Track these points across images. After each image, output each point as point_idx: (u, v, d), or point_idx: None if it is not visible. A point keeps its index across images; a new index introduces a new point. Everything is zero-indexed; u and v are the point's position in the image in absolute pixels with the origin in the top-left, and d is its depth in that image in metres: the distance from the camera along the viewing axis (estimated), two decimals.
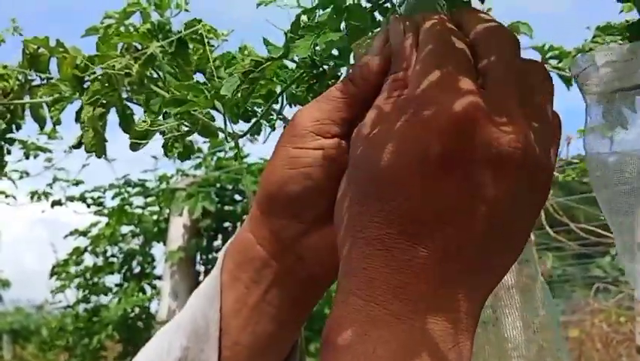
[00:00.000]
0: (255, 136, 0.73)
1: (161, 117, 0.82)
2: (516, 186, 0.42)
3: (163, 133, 0.77)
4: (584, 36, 0.98)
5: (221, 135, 0.75)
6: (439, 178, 0.41)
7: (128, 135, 0.86)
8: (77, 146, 0.89)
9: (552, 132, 0.45)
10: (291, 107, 0.73)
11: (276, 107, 0.75)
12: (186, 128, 0.76)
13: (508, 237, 0.43)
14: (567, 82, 1.16)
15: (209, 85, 0.75)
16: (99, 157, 0.86)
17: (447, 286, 0.41)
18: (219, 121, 0.76)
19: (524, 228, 0.45)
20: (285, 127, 0.72)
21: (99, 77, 0.85)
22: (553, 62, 1.15)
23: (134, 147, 0.79)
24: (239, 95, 0.70)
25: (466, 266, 0.41)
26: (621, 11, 1.27)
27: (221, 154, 4.11)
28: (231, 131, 0.70)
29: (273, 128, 0.72)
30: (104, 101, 0.86)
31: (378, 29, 0.60)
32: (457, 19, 0.49)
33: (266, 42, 0.70)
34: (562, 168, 2.41)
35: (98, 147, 0.84)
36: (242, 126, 0.74)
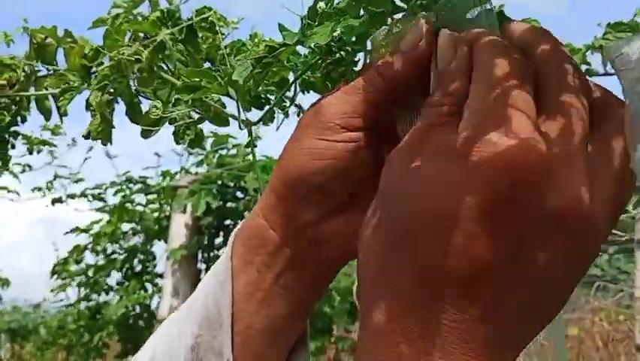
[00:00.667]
0: (269, 123, 0.72)
1: (169, 106, 0.81)
2: (566, 254, 0.38)
3: (173, 121, 0.77)
4: (585, 35, 0.99)
5: (233, 123, 0.75)
6: (488, 235, 0.37)
7: (135, 125, 0.86)
8: (88, 135, 0.88)
9: (620, 181, 0.39)
10: (304, 93, 0.72)
11: (289, 94, 0.74)
12: (197, 116, 0.76)
13: (546, 307, 0.40)
14: None
15: (221, 72, 0.74)
16: (104, 144, 0.85)
17: (478, 356, 0.37)
18: (230, 108, 0.75)
19: (561, 299, 0.40)
20: (299, 114, 0.72)
21: (109, 65, 0.84)
22: None
23: (146, 134, 0.79)
24: (251, 81, 0.69)
25: (499, 334, 0.38)
26: (635, 15, 1.27)
27: (223, 152, 4.12)
28: (244, 119, 0.69)
29: (287, 116, 0.72)
30: (112, 89, 0.85)
31: (399, 16, 0.59)
32: (515, 36, 0.45)
33: (281, 27, 0.69)
34: None
35: (104, 134, 0.83)
36: (254, 114, 0.73)
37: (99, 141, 0.87)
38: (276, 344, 0.57)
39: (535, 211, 0.37)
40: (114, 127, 0.84)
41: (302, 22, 0.65)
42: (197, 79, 0.72)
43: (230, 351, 0.54)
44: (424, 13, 0.52)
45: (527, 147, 0.37)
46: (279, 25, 0.68)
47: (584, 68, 1.10)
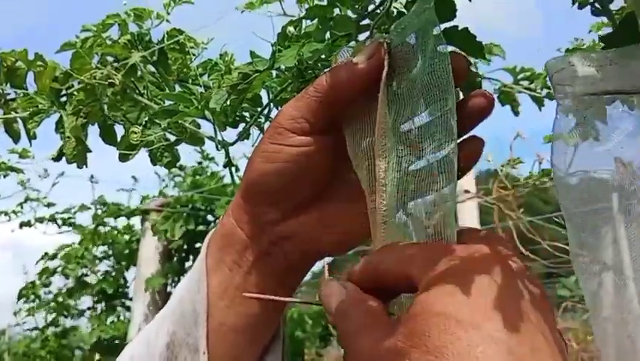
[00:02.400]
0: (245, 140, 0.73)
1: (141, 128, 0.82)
2: None
3: (150, 144, 0.77)
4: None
5: (209, 143, 0.76)
6: None
7: (110, 146, 0.86)
8: (58, 158, 0.88)
9: None
10: (277, 108, 0.74)
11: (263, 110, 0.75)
12: (174, 138, 0.77)
13: None
14: (539, 102, 1.19)
15: (195, 94, 0.75)
16: (80, 167, 0.85)
17: None
18: (205, 128, 0.76)
19: None
20: None
21: (81, 88, 0.85)
22: (525, 82, 1.17)
23: (124, 158, 0.79)
24: (227, 105, 0.71)
25: None
26: (590, 31, 1.31)
27: (199, 176, 4.11)
28: (221, 139, 0.70)
29: (262, 132, 0.73)
30: (85, 113, 0.86)
31: (362, 36, 0.61)
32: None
33: (252, 55, 0.71)
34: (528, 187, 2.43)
35: (79, 157, 0.84)
36: (229, 133, 0.74)
37: (73, 164, 0.87)
38: (249, 341, 0.59)
39: None
40: (90, 150, 0.85)
41: (272, 47, 0.67)
42: (173, 102, 0.73)
43: (204, 346, 0.56)
44: (383, 35, 0.54)
45: None
46: (251, 52, 0.70)
47: (544, 92, 1.13)
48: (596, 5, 0.63)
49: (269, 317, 0.60)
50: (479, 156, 0.53)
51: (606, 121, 0.53)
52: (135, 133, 0.75)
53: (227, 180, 3.98)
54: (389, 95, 0.53)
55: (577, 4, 0.63)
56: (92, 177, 3.95)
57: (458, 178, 0.50)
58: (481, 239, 0.45)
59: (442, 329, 0.38)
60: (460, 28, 0.53)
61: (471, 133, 0.53)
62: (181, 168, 4.20)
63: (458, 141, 0.50)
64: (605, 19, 0.65)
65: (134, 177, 4.33)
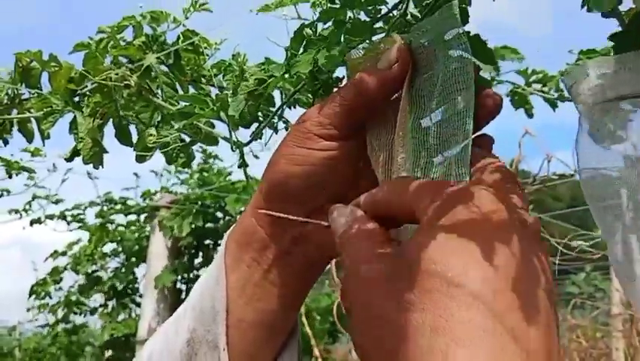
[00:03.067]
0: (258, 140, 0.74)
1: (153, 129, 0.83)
2: None
3: (167, 145, 0.78)
4: (569, 57, 1.01)
5: (223, 143, 0.76)
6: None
7: (126, 147, 0.87)
8: (71, 158, 0.89)
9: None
10: (290, 109, 0.75)
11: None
12: (189, 138, 0.77)
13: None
14: (552, 104, 1.19)
15: (210, 95, 0.76)
16: (96, 168, 0.86)
17: None
18: (218, 127, 0.77)
19: None
20: (286, 129, 0.74)
21: (97, 89, 0.85)
22: (537, 85, 1.18)
23: (141, 159, 0.80)
24: (245, 111, 0.72)
25: None
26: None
27: (206, 173, 4.12)
28: (236, 140, 0.71)
29: (276, 132, 0.74)
30: (102, 114, 0.86)
31: (376, 37, 0.62)
32: None
33: (267, 61, 0.72)
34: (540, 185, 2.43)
35: (96, 158, 0.85)
36: (242, 132, 0.75)
37: (87, 164, 0.88)
38: (267, 337, 0.60)
39: None
40: (107, 151, 0.86)
41: (286, 53, 0.67)
42: (189, 104, 0.74)
43: (224, 342, 0.57)
44: (402, 35, 0.55)
45: None
46: (266, 58, 0.71)
47: (556, 94, 1.12)
48: None
49: (285, 315, 0.61)
50: (498, 110, 0.54)
51: (625, 125, 0.54)
52: (152, 135, 0.76)
53: (234, 176, 3.99)
54: (411, 93, 0.54)
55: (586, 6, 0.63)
56: (89, 173, 3.95)
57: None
58: (491, 180, 0.45)
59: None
60: (471, 35, 0.54)
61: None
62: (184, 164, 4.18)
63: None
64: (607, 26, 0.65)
65: (135, 173, 4.34)
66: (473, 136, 0.53)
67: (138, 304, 4.49)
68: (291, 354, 0.62)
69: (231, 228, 0.63)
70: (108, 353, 4.46)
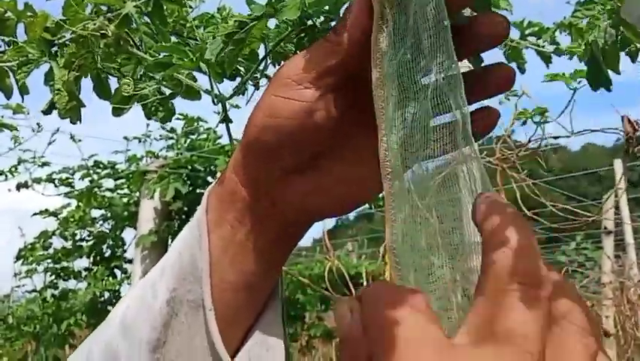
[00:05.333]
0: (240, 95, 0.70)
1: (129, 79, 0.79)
2: None
3: (145, 97, 0.74)
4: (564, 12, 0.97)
5: (205, 97, 0.72)
6: None
7: (103, 102, 0.83)
8: (48, 111, 0.85)
9: None
10: (274, 66, 0.71)
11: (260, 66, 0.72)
12: (168, 91, 0.73)
13: None
14: (546, 59, 1.15)
15: (191, 46, 0.72)
16: (74, 123, 0.82)
17: None
18: (200, 81, 0.73)
19: None
20: None
21: (73, 39, 0.81)
22: (532, 38, 1.13)
23: (117, 112, 0.76)
24: (224, 56, 0.67)
25: None
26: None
27: (193, 136, 4.08)
28: (218, 93, 0.67)
29: (257, 88, 0.70)
30: (78, 65, 0.82)
31: None
32: None
33: (248, 2, 0.68)
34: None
35: (73, 112, 0.81)
36: (225, 86, 0.71)
37: (66, 120, 0.84)
38: (248, 298, 0.57)
39: None
40: (84, 105, 0.82)
41: None
42: (167, 54, 0.70)
43: (210, 302, 0.55)
44: None
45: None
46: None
47: (552, 47, 1.08)
48: None
49: (267, 274, 0.58)
50: (494, 125, 0.52)
51: None
52: (127, 85, 0.72)
53: (223, 140, 3.94)
54: (387, 28, 0.48)
55: None
56: (72, 136, 3.91)
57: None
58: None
59: None
60: None
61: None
62: (172, 130, 4.16)
63: (473, 109, 0.49)
64: None
65: (126, 137, 4.28)
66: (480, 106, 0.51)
67: (124, 271, 4.49)
68: (273, 315, 0.59)
69: (212, 183, 0.60)
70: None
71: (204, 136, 4.03)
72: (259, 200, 0.55)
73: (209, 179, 3.88)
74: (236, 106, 0.79)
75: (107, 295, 4.45)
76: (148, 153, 4.19)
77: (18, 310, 5.48)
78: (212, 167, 3.79)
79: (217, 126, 3.86)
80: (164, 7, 0.85)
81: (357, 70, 0.51)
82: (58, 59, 0.83)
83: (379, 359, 0.34)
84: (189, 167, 3.82)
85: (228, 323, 0.56)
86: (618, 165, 4.24)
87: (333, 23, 0.61)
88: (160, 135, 4.23)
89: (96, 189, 4.44)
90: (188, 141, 4.07)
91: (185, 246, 0.58)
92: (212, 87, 0.70)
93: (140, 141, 4.28)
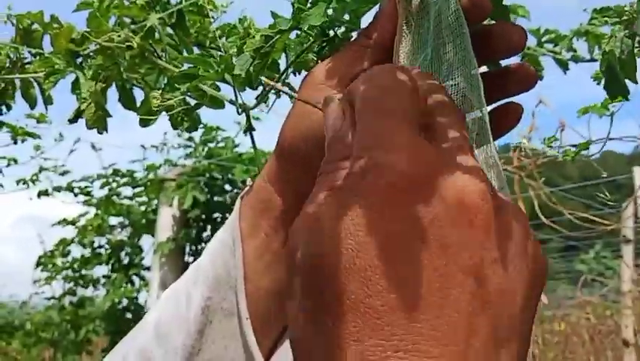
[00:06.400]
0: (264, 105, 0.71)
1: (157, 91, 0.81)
2: (485, 248, 0.32)
3: (171, 108, 0.76)
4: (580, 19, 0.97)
5: (229, 106, 0.74)
6: (409, 254, 0.31)
7: (127, 112, 0.85)
8: (74, 120, 0.87)
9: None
10: (295, 75, 0.72)
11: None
12: (194, 101, 0.75)
13: (506, 327, 0.32)
14: (563, 65, 1.15)
15: (215, 57, 0.74)
16: (100, 133, 0.84)
17: None
18: (223, 90, 0.75)
19: (521, 316, 0.33)
20: (291, 97, 0.71)
21: (99, 51, 0.83)
22: (549, 45, 1.14)
23: (144, 122, 0.78)
24: (251, 69, 0.69)
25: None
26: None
27: (212, 144, 4.11)
28: (242, 103, 0.68)
29: (279, 96, 0.71)
30: (105, 77, 0.84)
31: None
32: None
33: (274, 15, 0.69)
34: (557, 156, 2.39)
35: (100, 123, 0.83)
36: (245, 95, 0.73)
37: (90, 130, 0.86)
38: (279, 307, 0.57)
39: (439, 210, 0.32)
40: (110, 115, 0.83)
41: (293, 6, 0.64)
42: (192, 66, 0.72)
43: (246, 311, 0.55)
44: None
45: (415, 157, 0.33)
46: (272, 12, 0.68)
47: (569, 54, 1.09)
48: None
49: None
50: (518, 120, 0.51)
51: None
52: (156, 98, 0.73)
53: (241, 148, 3.96)
54: (411, 33, 0.50)
55: None
56: (93, 146, 3.95)
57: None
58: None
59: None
60: None
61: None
62: (190, 139, 4.20)
63: (496, 105, 0.49)
64: None
65: (143, 146, 4.33)
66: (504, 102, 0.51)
67: (142, 278, 4.51)
68: None
69: (244, 191, 0.60)
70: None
71: (222, 144, 4.06)
72: (294, 208, 0.53)
73: (227, 187, 3.90)
74: (257, 118, 0.80)
75: (125, 302, 4.48)
76: (166, 162, 4.23)
77: (36, 316, 5.52)
78: (230, 175, 3.81)
79: (237, 135, 3.88)
80: (187, 19, 0.87)
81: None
82: (85, 70, 0.85)
83: (366, 152, 0.34)
84: (207, 175, 3.84)
85: (261, 331, 0.56)
86: (637, 172, 4.22)
87: (354, 34, 0.62)
88: (178, 144, 4.27)
89: (115, 197, 4.48)
90: (206, 149, 4.10)
91: (218, 254, 0.58)
92: (236, 97, 0.72)
93: (157, 150, 4.32)
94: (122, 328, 4.38)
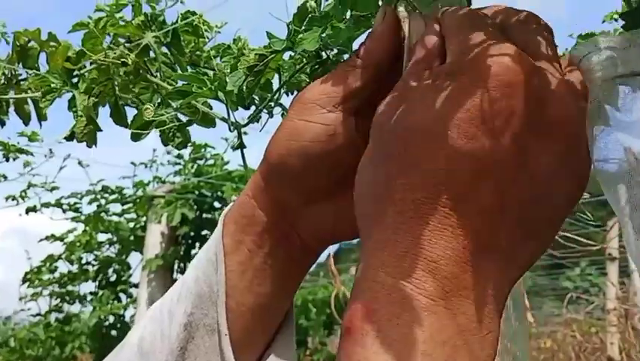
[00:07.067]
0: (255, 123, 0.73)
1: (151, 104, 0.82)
2: (560, 164, 0.41)
3: (162, 124, 0.77)
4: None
5: (220, 124, 0.75)
6: (489, 138, 0.39)
7: (114, 130, 0.86)
8: (70, 138, 0.88)
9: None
10: (287, 95, 0.73)
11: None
12: (185, 118, 0.76)
13: (539, 220, 0.41)
14: None
15: (209, 75, 0.75)
16: (89, 147, 0.85)
17: (476, 268, 0.38)
18: (216, 108, 0.76)
19: (555, 215, 0.42)
20: (282, 115, 0.73)
21: (94, 67, 0.84)
22: None
23: (136, 137, 0.79)
24: (244, 87, 0.70)
25: (496, 247, 0.39)
26: (603, 21, 1.30)
27: (201, 161, 4.11)
28: (234, 121, 0.70)
29: (271, 116, 0.73)
30: (98, 92, 0.85)
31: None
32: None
33: (269, 35, 0.71)
34: None
35: (89, 137, 0.84)
36: (238, 113, 0.74)
37: (81, 143, 0.87)
38: (264, 321, 0.58)
39: (531, 117, 0.39)
40: (100, 130, 0.84)
41: (288, 27, 0.66)
42: (186, 83, 0.73)
43: (225, 326, 0.55)
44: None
45: (519, 59, 0.40)
46: (267, 33, 0.69)
47: None
48: None
49: (283, 298, 0.59)
50: None
51: (618, 107, 0.52)
52: (149, 110, 0.75)
53: (231, 165, 3.97)
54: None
55: None
56: (80, 162, 3.94)
57: None
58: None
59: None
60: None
61: None
62: (179, 156, 4.21)
63: None
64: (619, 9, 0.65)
65: (133, 163, 4.32)
66: None
67: (130, 295, 4.49)
68: (286, 338, 0.60)
69: (228, 207, 0.60)
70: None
71: (211, 162, 4.06)
72: (279, 224, 0.55)
73: (216, 204, 3.90)
74: (245, 133, 0.82)
75: (111, 319, 4.45)
76: (155, 179, 4.22)
77: (21, 333, 5.46)
78: (219, 192, 3.81)
79: (225, 152, 3.89)
80: (182, 38, 0.89)
81: (378, 93, 0.51)
82: (80, 84, 0.86)
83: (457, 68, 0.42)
84: (196, 192, 3.84)
85: (243, 347, 0.56)
86: (622, 190, 4.25)
87: (346, 56, 0.64)
88: (168, 161, 4.27)
89: (103, 214, 4.46)
90: (195, 166, 4.10)
91: (202, 270, 0.58)
92: (228, 115, 0.73)
93: (146, 167, 4.32)
94: (108, 345, 4.35)
